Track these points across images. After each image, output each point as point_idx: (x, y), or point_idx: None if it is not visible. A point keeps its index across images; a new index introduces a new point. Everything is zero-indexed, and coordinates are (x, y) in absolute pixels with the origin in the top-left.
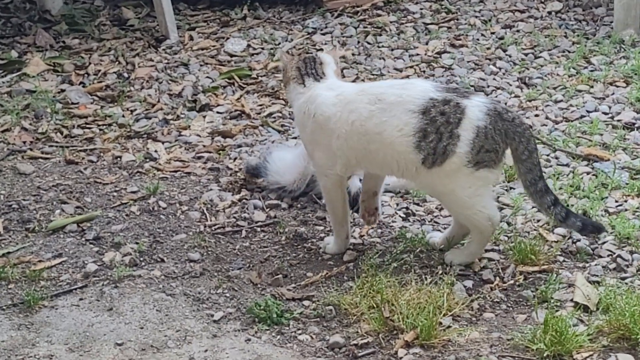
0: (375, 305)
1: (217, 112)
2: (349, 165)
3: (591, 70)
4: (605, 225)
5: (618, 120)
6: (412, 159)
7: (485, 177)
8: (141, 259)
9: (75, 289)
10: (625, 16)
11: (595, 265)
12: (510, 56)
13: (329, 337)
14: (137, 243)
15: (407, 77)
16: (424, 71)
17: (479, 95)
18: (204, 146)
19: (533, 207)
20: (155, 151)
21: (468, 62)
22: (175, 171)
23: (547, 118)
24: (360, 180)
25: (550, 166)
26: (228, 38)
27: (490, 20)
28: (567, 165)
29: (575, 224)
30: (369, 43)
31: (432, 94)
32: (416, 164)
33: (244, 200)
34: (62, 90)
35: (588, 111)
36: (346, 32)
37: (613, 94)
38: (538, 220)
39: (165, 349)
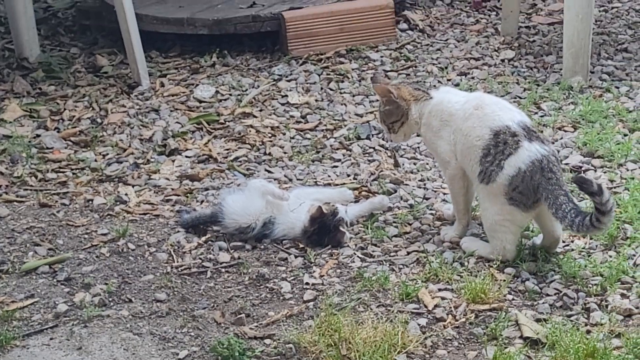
0: (333, 344)
1: (186, 156)
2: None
3: (541, 116)
4: (553, 264)
5: (566, 164)
6: (475, 169)
7: (513, 214)
8: (110, 299)
9: (46, 328)
10: (574, 64)
11: (543, 303)
12: None
13: None
14: (106, 284)
15: (368, 122)
16: None
17: (546, 144)
18: (173, 189)
19: None
20: (126, 194)
21: None
22: (145, 214)
23: None
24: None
25: None
26: (197, 84)
27: (446, 68)
28: None
29: None
30: (331, 89)
31: (511, 123)
32: (476, 174)
33: (209, 242)
34: (38, 136)
35: None
36: (310, 78)
37: (562, 138)
38: (488, 261)
39: None
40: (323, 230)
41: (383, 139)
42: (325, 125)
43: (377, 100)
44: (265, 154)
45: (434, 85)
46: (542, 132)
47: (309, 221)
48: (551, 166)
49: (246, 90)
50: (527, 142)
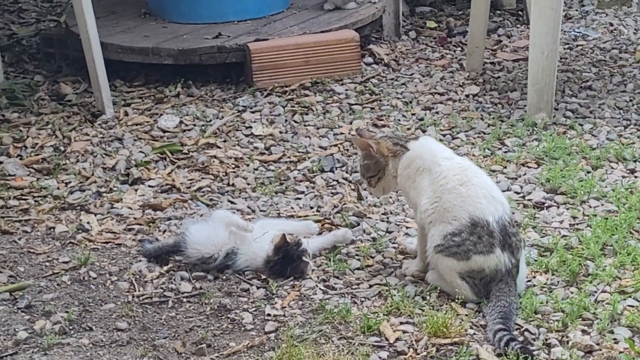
0: None
1: (149, 186)
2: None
3: (505, 152)
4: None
5: (529, 200)
6: (435, 238)
7: (464, 289)
8: (70, 327)
9: (6, 356)
10: (538, 100)
11: None
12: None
13: None
14: (67, 312)
15: (332, 155)
16: (347, 149)
17: (515, 253)
18: (135, 218)
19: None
20: (88, 223)
21: None
22: (106, 242)
23: None
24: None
25: None
26: (161, 114)
27: (411, 102)
28: None
29: None
30: (296, 122)
31: (491, 219)
32: (434, 242)
33: (171, 272)
34: (0, 162)
35: (501, 190)
36: (275, 110)
37: (525, 174)
38: (449, 295)
39: None
40: (286, 259)
41: (347, 172)
42: (289, 157)
43: (342, 134)
44: (228, 184)
45: (413, 134)
46: (505, 167)
47: (273, 250)
48: (509, 280)
49: (210, 120)
50: (500, 250)
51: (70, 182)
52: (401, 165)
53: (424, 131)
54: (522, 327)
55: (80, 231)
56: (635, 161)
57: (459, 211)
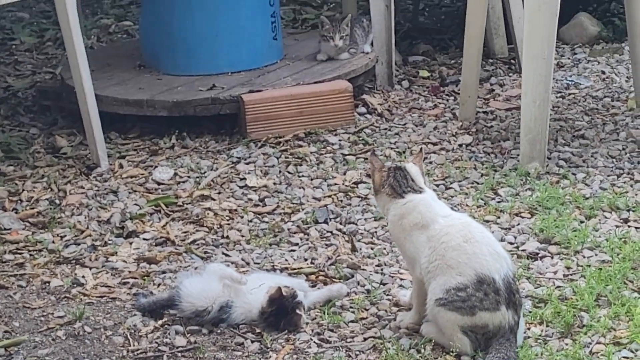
0: None
1: (144, 239)
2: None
3: (498, 201)
4: None
5: (523, 250)
6: (437, 291)
7: (464, 342)
8: None
9: None
10: (531, 150)
11: None
12: None
13: None
14: None
15: (325, 206)
16: (341, 200)
17: (518, 310)
18: (130, 272)
19: None
20: (83, 277)
21: None
22: (101, 296)
23: None
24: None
25: None
26: (156, 166)
27: (404, 152)
28: None
29: None
30: (289, 172)
31: (497, 277)
32: (435, 295)
33: (166, 326)
34: None
35: None
36: (268, 161)
37: (518, 224)
38: (443, 348)
39: None
40: (280, 312)
41: (340, 223)
42: (283, 208)
43: (335, 184)
44: (222, 237)
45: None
46: (499, 217)
47: (267, 302)
48: (510, 336)
49: (205, 172)
50: (505, 307)
51: (65, 235)
52: (393, 211)
53: None
54: None
55: (75, 285)
56: (628, 210)
57: (465, 268)
